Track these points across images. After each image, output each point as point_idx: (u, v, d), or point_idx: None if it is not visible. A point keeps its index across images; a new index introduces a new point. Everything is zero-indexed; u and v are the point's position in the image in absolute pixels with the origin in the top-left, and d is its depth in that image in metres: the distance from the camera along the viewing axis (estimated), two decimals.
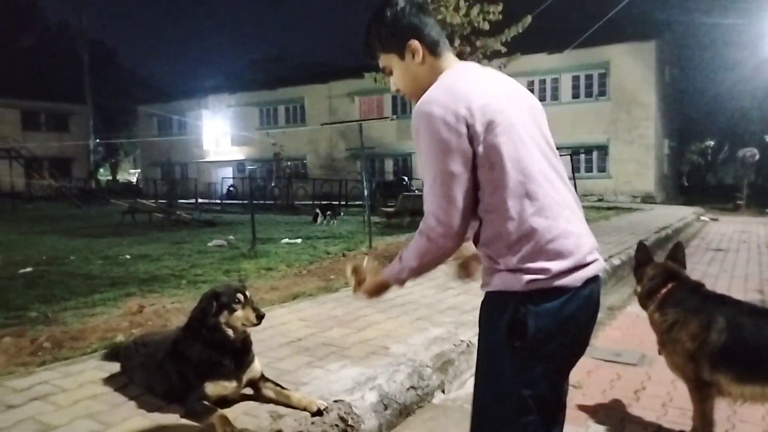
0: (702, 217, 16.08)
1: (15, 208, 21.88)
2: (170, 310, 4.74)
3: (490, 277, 1.56)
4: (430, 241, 1.53)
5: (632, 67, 23.38)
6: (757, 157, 22.38)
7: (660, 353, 2.71)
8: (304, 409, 2.56)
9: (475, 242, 1.60)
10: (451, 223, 1.49)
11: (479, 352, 1.63)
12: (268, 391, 2.62)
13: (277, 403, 2.61)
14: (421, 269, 1.60)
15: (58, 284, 6.28)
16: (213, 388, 2.45)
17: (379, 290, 1.73)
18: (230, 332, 2.49)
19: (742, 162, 22.68)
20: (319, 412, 2.52)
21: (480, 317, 1.61)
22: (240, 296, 2.51)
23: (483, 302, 1.61)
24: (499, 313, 1.53)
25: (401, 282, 1.67)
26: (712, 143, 34.33)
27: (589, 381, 3.54)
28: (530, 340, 1.48)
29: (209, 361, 2.46)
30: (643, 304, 2.72)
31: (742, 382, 2.43)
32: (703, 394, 2.54)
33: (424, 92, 1.52)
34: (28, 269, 7.30)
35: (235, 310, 2.49)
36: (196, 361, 2.46)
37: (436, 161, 1.46)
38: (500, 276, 1.52)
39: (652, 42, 23.36)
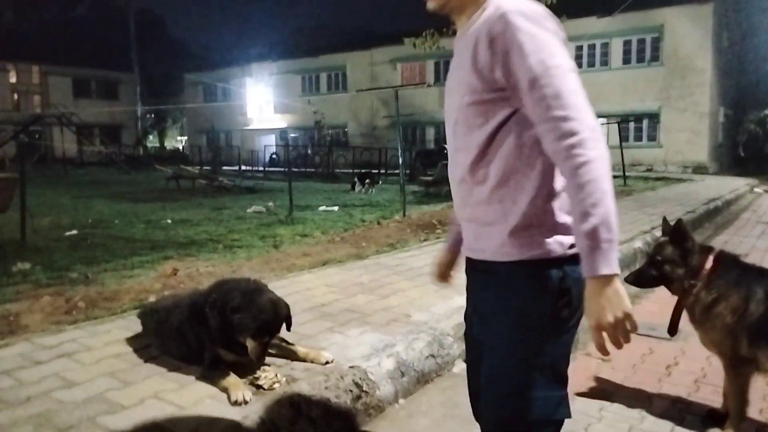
0: (755, 189, 15.39)
1: (67, 174, 22.69)
2: (203, 274, 4.83)
3: (510, 241, 1.35)
4: (598, 160, 1.22)
5: (688, 31, 22.24)
6: None
7: (671, 334, 2.56)
8: (312, 362, 2.63)
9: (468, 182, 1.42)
10: (593, 123, 1.26)
11: (497, 335, 1.40)
12: (273, 348, 2.64)
13: (282, 357, 2.64)
14: (612, 206, 1.22)
15: (101, 247, 6.49)
16: (227, 354, 2.48)
17: (611, 298, 1.23)
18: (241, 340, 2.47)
19: None
20: (327, 364, 2.61)
21: (496, 294, 1.40)
22: (267, 338, 2.45)
23: (495, 274, 1.39)
24: (538, 285, 1.34)
25: (610, 250, 1.21)
26: None
27: (619, 354, 3.40)
28: (574, 310, 1.36)
29: (226, 339, 2.47)
30: (682, 286, 2.51)
31: None
32: (740, 371, 2.43)
33: (468, 7, 1.41)
34: (74, 232, 7.56)
35: (253, 340, 2.41)
36: (215, 330, 2.47)
37: (557, 55, 1.27)
38: (530, 238, 1.34)
39: (710, 4, 22.12)
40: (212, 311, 2.45)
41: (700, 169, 22.33)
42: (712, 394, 2.86)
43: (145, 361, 2.70)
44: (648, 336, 3.77)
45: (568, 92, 1.25)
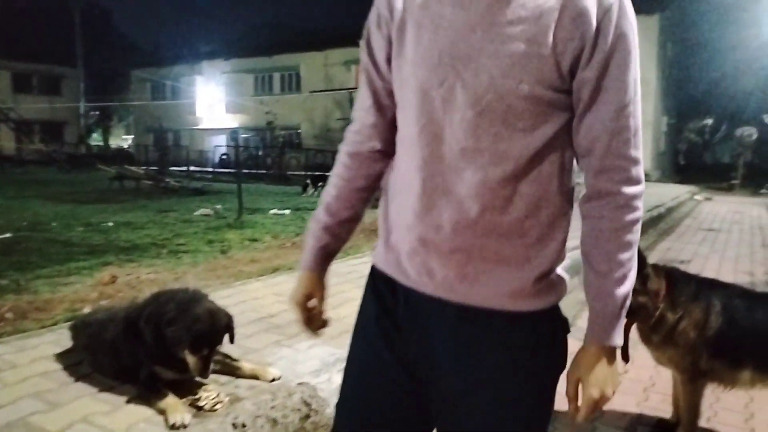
0: (696, 196, 16.03)
1: (4, 172, 21.60)
2: (144, 281, 4.61)
3: (533, 288, 1.08)
4: (637, 212, 1.07)
5: None
6: (755, 136, 22.26)
7: (626, 361, 2.39)
8: (258, 379, 2.51)
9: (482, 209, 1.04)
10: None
11: (502, 398, 1.11)
12: (216, 364, 2.49)
13: (226, 373, 2.51)
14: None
15: (36, 251, 6.14)
16: (165, 372, 2.32)
17: (614, 373, 1.11)
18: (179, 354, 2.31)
19: (740, 141, 22.58)
20: (273, 381, 2.50)
21: (506, 348, 1.10)
22: (205, 350, 2.26)
23: (493, 322, 1.09)
24: (554, 335, 1.14)
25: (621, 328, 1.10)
26: (710, 122, 34.11)
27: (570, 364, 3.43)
28: None
29: (163, 355, 2.31)
30: (647, 314, 2.38)
31: (734, 367, 2.36)
32: (697, 384, 2.43)
33: None
34: (8, 235, 7.14)
35: (192, 354, 2.25)
36: (151, 345, 2.30)
37: (636, 82, 1.03)
38: (551, 283, 1.11)
39: (656, 16, 22.96)
40: (147, 325, 2.29)
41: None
42: (661, 402, 2.88)
43: (76, 380, 2.51)
44: None
45: (641, 127, 1.05)
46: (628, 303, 1.08)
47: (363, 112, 1.22)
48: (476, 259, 1.06)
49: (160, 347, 2.28)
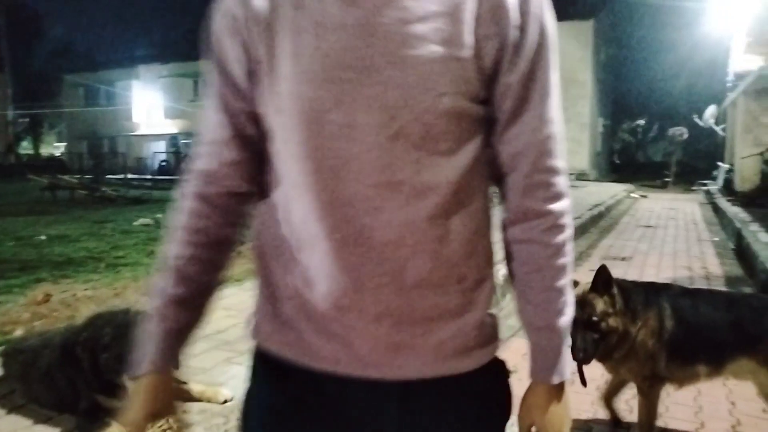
0: (632, 194, 16.64)
1: None
2: (80, 299, 4.38)
3: (475, 339, 0.92)
4: (568, 230, 0.93)
5: (569, 45, 23.71)
6: (686, 136, 23.38)
7: (584, 385, 2.34)
8: (208, 401, 2.40)
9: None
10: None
11: None
12: None
13: (176, 398, 2.38)
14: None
15: None
16: (106, 400, 2.18)
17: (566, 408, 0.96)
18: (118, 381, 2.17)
19: (671, 140, 23.66)
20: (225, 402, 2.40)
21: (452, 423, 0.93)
22: None
23: (460, 392, 0.93)
24: (500, 388, 1.00)
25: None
26: (643, 122, 35.61)
27: (524, 364, 3.42)
28: None
29: (103, 382, 2.16)
30: (617, 334, 2.31)
31: (687, 365, 2.41)
32: (655, 389, 2.44)
33: None
34: None
35: (133, 380, 2.10)
36: (89, 373, 2.16)
37: (557, 81, 0.91)
38: (492, 327, 0.96)
39: (590, 21, 23.82)
40: (84, 351, 2.14)
41: (581, 176, 23.88)
42: (615, 401, 2.91)
43: (8, 412, 2.33)
44: None
45: (563, 130, 0.92)
46: (569, 330, 0.96)
47: (218, 146, 0.92)
48: (409, 321, 0.86)
49: (98, 374, 2.13)
